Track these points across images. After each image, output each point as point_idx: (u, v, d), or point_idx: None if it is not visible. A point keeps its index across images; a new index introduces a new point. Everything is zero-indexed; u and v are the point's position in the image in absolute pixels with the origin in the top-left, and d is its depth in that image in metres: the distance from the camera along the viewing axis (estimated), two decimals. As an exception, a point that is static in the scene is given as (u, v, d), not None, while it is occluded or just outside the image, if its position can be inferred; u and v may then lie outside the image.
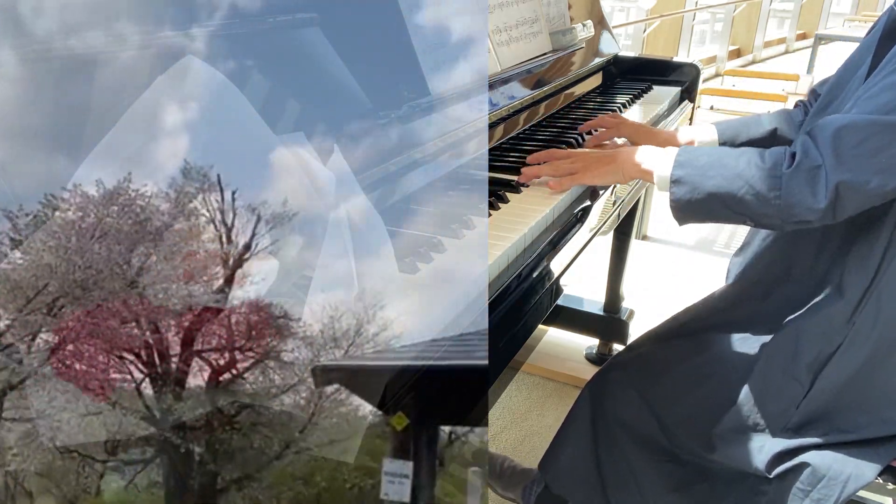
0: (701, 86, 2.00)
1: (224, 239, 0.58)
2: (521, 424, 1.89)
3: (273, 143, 0.68)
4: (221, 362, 0.58)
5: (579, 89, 1.71)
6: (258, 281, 0.59)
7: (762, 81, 6.15)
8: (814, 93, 1.22)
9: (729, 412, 1.03)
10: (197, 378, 0.57)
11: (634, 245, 2.20)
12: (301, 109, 0.83)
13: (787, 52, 8.91)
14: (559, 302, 2.12)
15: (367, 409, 0.63)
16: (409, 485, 0.66)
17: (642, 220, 3.00)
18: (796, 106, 1.29)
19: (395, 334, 0.62)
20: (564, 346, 2.20)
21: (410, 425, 0.66)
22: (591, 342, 2.20)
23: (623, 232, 2.04)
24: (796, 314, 1.02)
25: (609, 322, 2.12)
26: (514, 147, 1.32)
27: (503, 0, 1.37)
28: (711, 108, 5.57)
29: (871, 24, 1.09)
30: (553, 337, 2.23)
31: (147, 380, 0.56)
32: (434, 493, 0.70)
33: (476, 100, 1.18)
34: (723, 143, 1.34)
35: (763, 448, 1.00)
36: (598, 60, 1.81)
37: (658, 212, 3.02)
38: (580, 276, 2.33)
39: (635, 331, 2.09)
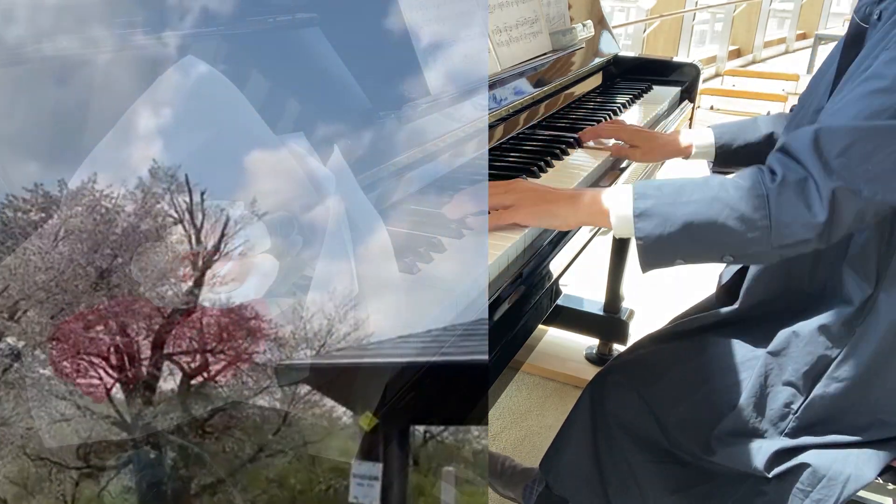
0: (701, 86, 2.00)
1: (193, 240, 0.57)
2: (521, 424, 1.89)
3: (273, 143, 0.68)
4: (193, 365, 0.57)
5: (579, 89, 1.71)
6: (228, 282, 0.58)
7: (762, 81, 6.15)
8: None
9: (728, 416, 1.03)
10: (168, 382, 0.57)
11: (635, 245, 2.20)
12: (301, 109, 0.83)
13: (787, 52, 8.92)
14: (559, 302, 2.12)
15: (340, 410, 0.62)
16: (379, 487, 0.65)
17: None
18: (792, 109, 1.29)
19: (368, 333, 0.61)
20: (564, 346, 2.20)
21: (380, 425, 0.65)
22: (591, 342, 2.20)
23: (623, 232, 2.03)
24: (796, 321, 1.01)
25: (609, 322, 2.12)
26: (514, 147, 1.32)
27: (503, 0, 1.37)
28: (711, 108, 5.57)
29: None
30: (553, 337, 2.23)
31: (117, 384, 0.55)
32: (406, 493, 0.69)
33: (476, 100, 1.18)
34: (719, 147, 1.34)
35: (762, 449, 1.00)
36: (598, 60, 1.81)
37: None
38: (580, 276, 2.33)
39: (635, 331, 2.09)
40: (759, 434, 1.02)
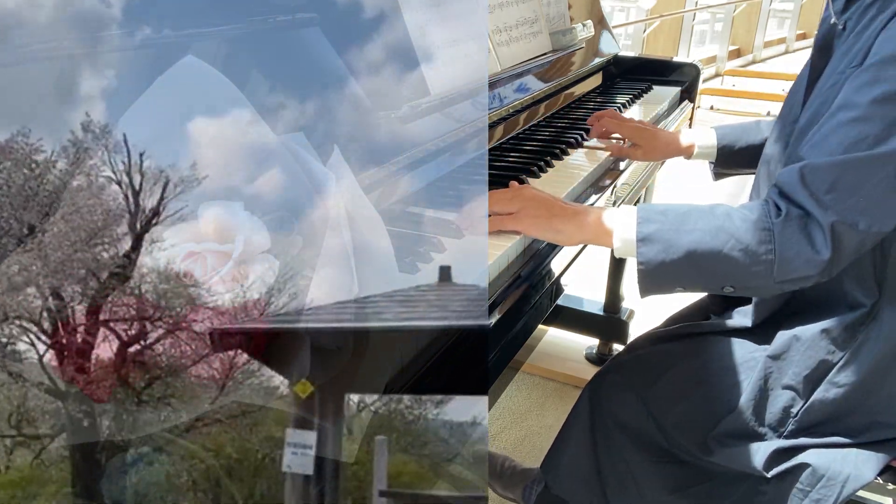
0: (701, 86, 2.00)
1: (131, 202, 0.55)
2: (521, 424, 1.89)
3: (273, 143, 0.68)
4: (130, 332, 0.55)
5: (579, 89, 1.71)
6: (168, 248, 0.56)
7: (762, 81, 6.16)
8: None
9: (726, 418, 1.03)
10: (104, 349, 0.55)
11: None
12: (301, 109, 0.83)
13: (787, 52, 8.91)
14: (559, 302, 2.11)
15: (278, 379, 0.61)
16: (313, 456, 0.64)
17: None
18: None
19: (306, 303, 0.60)
20: (564, 346, 2.20)
21: (316, 392, 0.63)
22: (591, 342, 2.20)
23: (623, 232, 2.03)
24: (797, 324, 1.00)
25: (609, 322, 2.12)
26: (515, 147, 1.32)
27: (503, 0, 1.37)
28: (711, 108, 5.58)
29: None
30: (553, 337, 2.23)
31: (50, 350, 0.54)
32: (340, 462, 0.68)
33: (476, 100, 1.18)
34: (721, 148, 1.34)
35: (760, 449, 1.00)
36: (598, 60, 1.81)
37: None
38: (580, 276, 2.33)
39: (635, 331, 2.09)
40: (758, 436, 1.02)
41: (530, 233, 0.93)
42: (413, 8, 1.07)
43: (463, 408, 0.71)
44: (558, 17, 1.62)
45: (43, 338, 0.54)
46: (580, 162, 1.28)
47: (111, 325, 0.55)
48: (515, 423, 1.90)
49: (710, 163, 1.39)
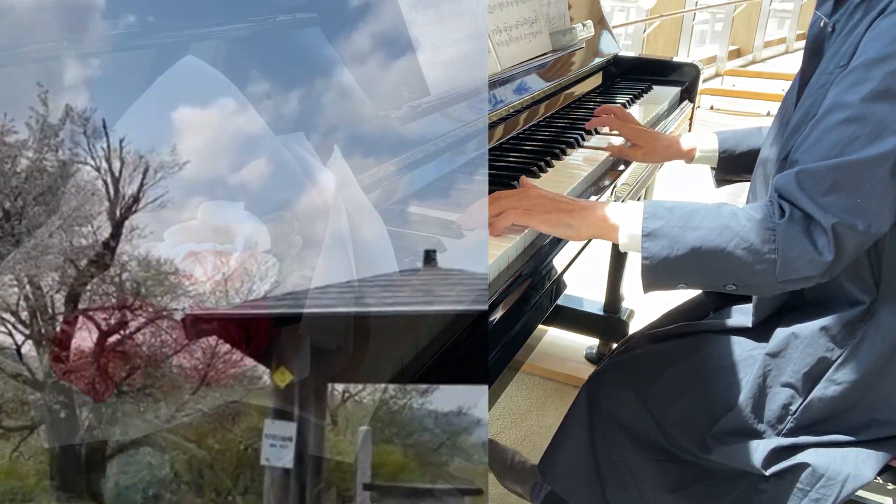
0: (701, 86, 2.00)
1: (110, 188, 0.53)
2: (521, 424, 1.90)
3: (273, 143, 0.68)
4: (110, 322, 0.54)
5: (579, 89, 1.71)
6: (148, 235, 0.55)
7: (762, 81, 6.16)
8: None
9: (725, 416, 1.03)
10: (83, 339, 0.53)
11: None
12: (301, 109, 0.83)
13: (787, 52, 8.91)
14: (559, 302, 2.12)
15: (260, 369, 0.60)
16: (293, 448, 0.63)
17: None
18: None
19: (287, 291, 0.59)
20: (564, 346, 2.20)
21: (294, 383, 0.62)
22: (591, 342, 2.20)
23: (623, 232, 2.04)
24: (795, 322, 1.01)
25: (609, 322, 2.12)
26: (515, 147, 1.32)
27: (503, 0, 1.37)
28: (711, 108, 5.58)
29: None
30: (553, 337, 2.23)
31: (28, 340, 0.52)
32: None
33: (476, 100, 1.18)
34: (723, 152, 1.34)
35: (759, 447, 1.00)
36: (598, 60, 1.81)
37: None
38: (580, 276, 2.33)
39: (635, 331, 2.09)
40: (757, 434, 1.02)
41: (541, 228, 0.95)
42: (413, 7, 1.07)
43: (462, 399, 0.71)
44: (558, 17, 1.62)
45: (20, 327, 0.52)
46: (580, 162, 1.29)
47: (90, 314, 0.53)
48: (515, 423, 1.90)
49: (712, 168, 1.39)
